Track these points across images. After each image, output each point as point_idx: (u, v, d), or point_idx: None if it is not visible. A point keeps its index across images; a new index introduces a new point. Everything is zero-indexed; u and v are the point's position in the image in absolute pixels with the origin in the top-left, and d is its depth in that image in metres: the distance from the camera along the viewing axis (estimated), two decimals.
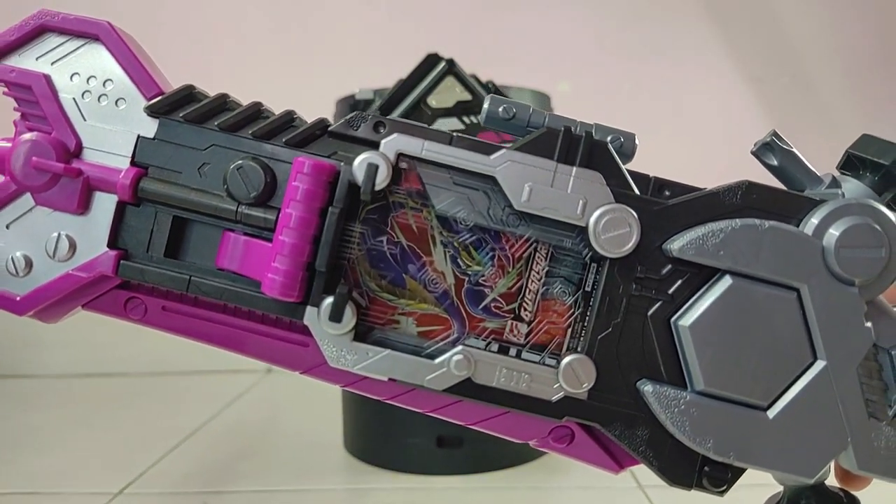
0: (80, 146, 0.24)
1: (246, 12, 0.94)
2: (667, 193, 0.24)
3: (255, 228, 0.24)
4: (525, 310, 0.24)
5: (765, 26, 0.97)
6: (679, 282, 0.24)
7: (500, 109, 0.24)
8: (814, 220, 0.24)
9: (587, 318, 0.24)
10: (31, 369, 0.89)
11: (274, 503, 0.51)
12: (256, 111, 0.24)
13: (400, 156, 0.23)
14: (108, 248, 0.24)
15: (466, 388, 0.24)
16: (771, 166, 0.25)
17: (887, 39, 0.98)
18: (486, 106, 0.24)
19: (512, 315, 0.24)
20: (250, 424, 0.69)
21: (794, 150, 0.25)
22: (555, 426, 0.25)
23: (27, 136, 0.24)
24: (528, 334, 0.24)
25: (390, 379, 0.24)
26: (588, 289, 0.24)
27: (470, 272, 0.24)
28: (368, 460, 0.57)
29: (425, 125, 0.24)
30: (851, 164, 0.25)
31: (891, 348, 0.24)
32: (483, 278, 0.24)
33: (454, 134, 0.24)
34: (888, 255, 0.23)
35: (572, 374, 0.23)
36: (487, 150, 0.23)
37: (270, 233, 0.23)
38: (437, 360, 0.24)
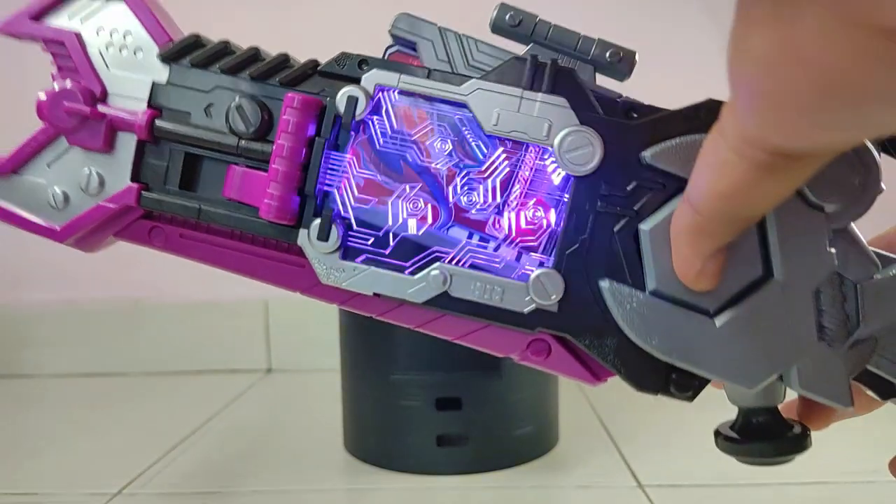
0: (105, 93, 0.27)
1: (245, 11, 0.95)
2: (634, 115, 0.25)
3: (255, 161, 0.27)
4: (508, 207, 0.26)
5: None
6: (644, 198, 0.25)
7: (507, 16, 0.25)
8: None
9: (556, 234, 0.25)
10: (31, 369, 0.89)
11: (274, 503, 0.51)
12: (255, 54, 0.27)
13: (378, 87, 0.25)
14: (130, 182, 0.27)
15: (444, 301, 0.26)
16: None
17: None
18: (494, 13, 0.25)
19: (495, 210, 0.26)
20: (250, 424, 0.68)
21: None
22: (532, 339, 0.26)
23: (59, 84, 0.27)
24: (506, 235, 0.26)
25: (375, 294, 0.26)
26: (556, 209, 0.25)
27: (462, 165, 0.26)
28: (368, 460, 0.57)
29: (406, 64, 0.26)
30: None
31: (857, 281, 0.24)
32: (474, 173, 0.26)
33: (431, 68, 0.26)
34: (861, 184, 0.23)
35: (541, 287, 0.25)
36: (459, 81, 0.25)
37: (268, 164, 0.26)
38: (417, 276, 0.26)
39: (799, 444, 0.26)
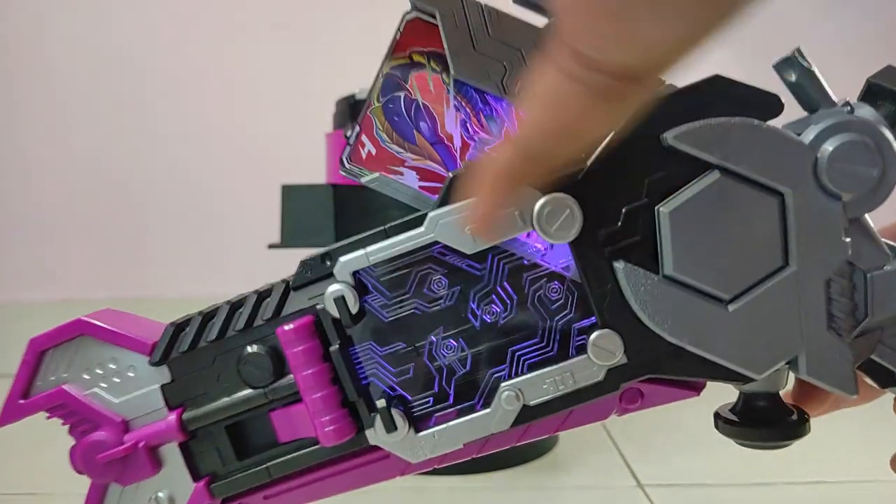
0: (125, 422, 0.27)
1: (245, 12, 0.96)
2: (583, 156, 0.25)
3: (288, 397, 0.26)
4: (526, 299, 0.26)
5: (766, 26, 0.95)
6: (640, 219, 0.25)
7: None
8: (812, 131, 0.24)
9: (586, 296, 0.25)
10: None
11: None
12: (232, 306, 0.27)
13: (354, 273, 0.25)
14: (195, 483, 0.27)
15: (527, 413, 0.26)
16: (789, 83, 0.25)
17: (889, 39, 0.94)
18: None
19: (517, 309, 0.26)
20: None
21: (815, 69, 0.25)
22: (621, 394, 0.26)
23: (83, 441, 0.27)
24: None
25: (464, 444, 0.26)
26: (570, 275, 0.25)
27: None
28: None
29: (360, 235, 0.26)
30: (870, 93, 0.25)
31: (868, 270, 0.24)
32: (480, 290, 0.26)
33: (385, 227, 0.26)
34: (880, 175, 0.24)
35: (602, 351, 0.25)
36: (416, 223, 0.25)
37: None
38: (492, 406, 0.26)
39: (798, 429, 0.26)
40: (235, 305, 0.27)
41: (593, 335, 0.25)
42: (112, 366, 0.27)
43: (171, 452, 0.27)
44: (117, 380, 0.27)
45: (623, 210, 0.25)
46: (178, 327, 0.27)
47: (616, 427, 0.64)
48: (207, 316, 0.27)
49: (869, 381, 0.27)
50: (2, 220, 0.97)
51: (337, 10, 0.96)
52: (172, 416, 0.27)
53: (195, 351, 0.27)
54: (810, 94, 0.25)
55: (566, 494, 0.52)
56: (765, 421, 0.27)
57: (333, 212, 0.61)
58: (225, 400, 0.27)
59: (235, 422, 0.27)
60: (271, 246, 0.64)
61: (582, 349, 0.25)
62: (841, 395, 0.24)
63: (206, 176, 0.97)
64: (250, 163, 0.96)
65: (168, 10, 0.96)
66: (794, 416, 0.27)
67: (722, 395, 0.28)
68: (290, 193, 0.62)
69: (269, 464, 0.27)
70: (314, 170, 0.71)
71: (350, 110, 0.62)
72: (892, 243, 0.25)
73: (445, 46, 0.26)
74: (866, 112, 0.25)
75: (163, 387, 0.27)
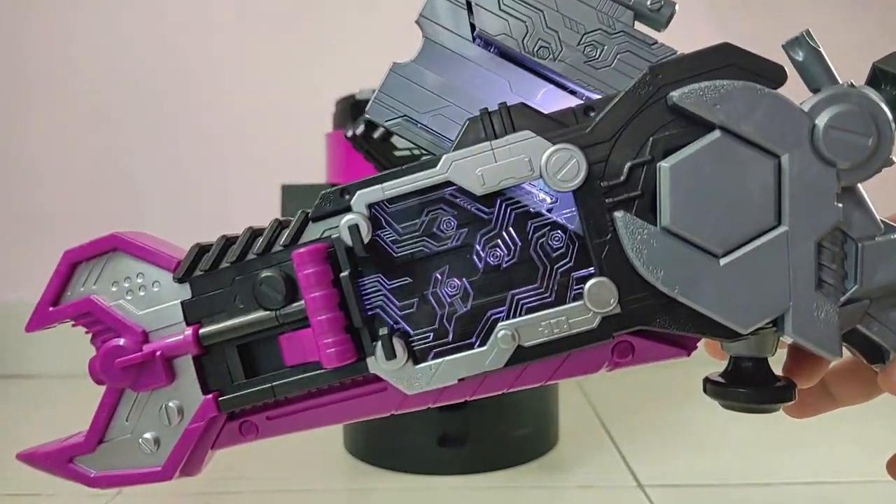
0: (145, 333, 0.29)
1: (245, 12, 0.97)
2: (591, 113, 0.27)
3: (298, 322, 0.28)
4: (530, 245, 0.27)
5: (766, 27, 0.96)
6: (643, 175, 0.26)
7: None
8: (812, 100, 0.25)
9: (586, 247, 0.26)
10: (31, 369, 0.88)
11: (274, 503, 0.51)
12: (251, 235, 0.29)
13: (370, 206, 0.27)
14: (204, 396, 0.29)
15: (521, 354, 0.27)
16: (796, 61, 0.26)
17: (889, 38, 0.96)
18: None
19: (521, 254, 0.27)
20: None
21: (822, 50, 0.26)
22: (612, 346, 0.27)
23: (104, 347, 0.29)
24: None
25: (460, 379, 0.27)
26: (572, 226, 0.27)
27: (474, 231, 0.27)
28: (368, 460, 0.58)
29: (382, 173, 0.27)
30: (875, 78, 0.26)
31: (859, 239, 0.26)
32: (487, 233, 0.27)
33: (403, 167, 0.27)
34: (874, 145, 0.25)
35: (598, 297, 0.26)
36: (432, 163, 0.27)
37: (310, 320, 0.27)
38: (488, 344, 0.27)
39: (783, 393, 0.27)
40: (256, 232, 0.29)
41: (590, 282, 0.26)
42: (139, 280, 0.29)
43: (185, 365, 0.29)
44: (142, 293, 0.29)
45: (627, 165, 0.26)
46: (202, 248, 0.29)
47: (616, 427, 0.64)
48: (230, 240, 0.29)
49: (857, 355, 0.28)
50: (4, 220, 0.98)
51: (337, 10, 0.96)
52: (189, 331, 0.28)
53: (216, 271, 0.29)
54: (815, 74, 0.26)
55: (566, 494, 0.52)
56: (751, 383, 0.27)
57: None
58: (240, 319, 0.28)
59: (247, 342, 0.29)
60: None
61: (578, 297, 0.27)
62: (825, 357, 0.25)
63: (207, 176, 0.98)
64: (250, 163, 0.96)
65: (169, 10, 0.97)
66: (781, 382, 0.27)
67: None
68: (290, 193, 0.63)
69: (274, 383, 0.28)
70: (314, 170, 0.72)
71: (350, 110, 0.62)
72: (889, 222, 0.26)
73: (474, 2, 0.27)
74: (869, 92, 0.26)
75: (183, 303, 0.29)
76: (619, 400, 0.70)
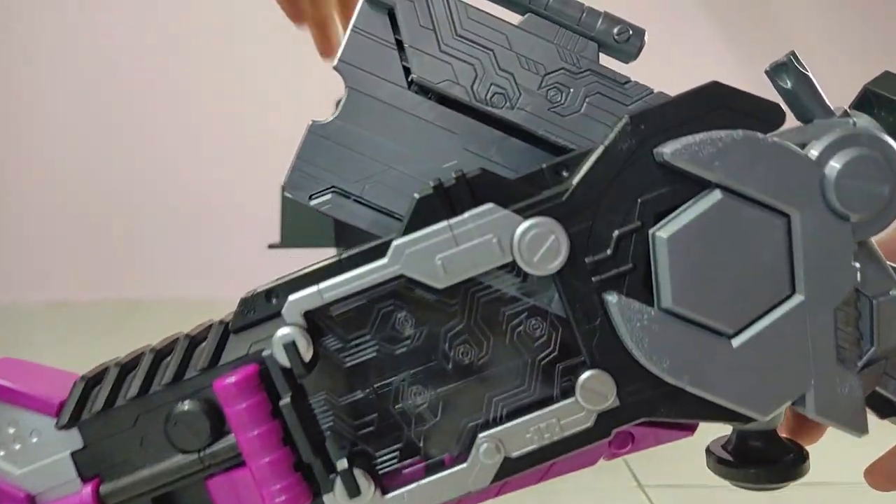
0: (30, 498, 0.23)
1: (245, 12, 0.95)
2: (564, 174, 0.22)
3: (230, 461, 0.22)
4: (504, 338, 0.23)
5: (766, 27, 0.96)
6: (633, 245, 0.22)
7: None
8: (818, 145, 0.21)
9: (573, 333, 0.22)
10: None
11: None
12: (155, 360, 0.23)
13: (306, 314, 0.22)
14: None
15: (509, 467, 0.22)
16: (783, 90, 0.23)
17: (889, 39, 0.96)
18: None
19: (495, 349, 0.23)
20: None
21: (810, 75, 0.23)
22: (611, 439, 0.24)
23: None
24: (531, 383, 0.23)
25: None
26: (552, 309, 0.22)
27: (437, 329, 0.22)
28: None
29: (310, 267, 0.22)
30: (867, 102, 0.23)
31: (874, 296, 0.22)
32: (452, 330, 0.22)
33: (342, 257, 0.22)
34: (891, 193, 0.21)
35: (592, 394, 0.22)
36: (379, 252, 0.22)
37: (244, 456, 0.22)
38: (469, 461, 0.22)
39: (796, 470, 0.25)
40: (161, 353, 0.23)
41: (582, 376, 0.22)
42: (11, 430, 0.23)
43: None
44: (18, 446, 0.23)
45: (614, 234, 0.22)
46: (90, 381, 0.23)
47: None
48: (126, 367, 0.23)
49: (869, 412, 0.25)
50: (4, 221, 0.99)
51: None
52: (87, 490, 0.22)
53: (112, 410, 0.22)
54: (805, 102, 0.23)
55: (566, 494, 0.51)
56: (761, 461, 0.25)
57: None
58: (151, 468, 0.22)
59: (165, 493, 0.23)
60: (271, 246, 0.64)
61: (568, 392, 0.22)
62: (853, 435, 0.22)
63: (207, 176, 0.99)
64: (250, 163, 0.96)
65: (167, 11, 0.97)
66: (793, 455, 0.25)
67: None
68: (291, 199, 0.61)
69: None
70: None
71: None
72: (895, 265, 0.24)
73: (406, 43, 0.22)
74: (866, 122, 0.23)
75: (73, 454, 0.23)
76: None
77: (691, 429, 0.24)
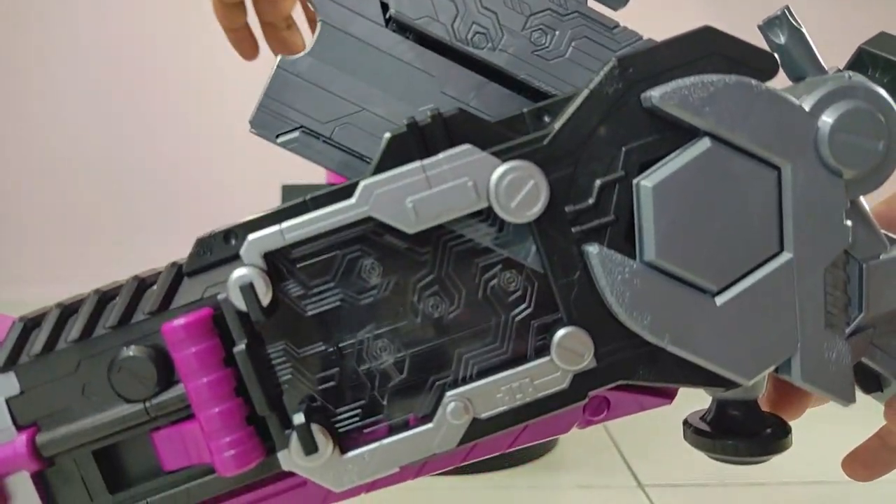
0: None
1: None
2: (546, 119, 0.21)
3: (178, 412, 0.21)
4: (478, 290, 0.21)
5: (764, 13, 0.97)
6: (616, 196, 0.21)
7: None
8: (812, 97, 0.21)
9: (549, 287, 0.21)
10: None
11: None
12: (99, 300, 0.21)
13: (266, 255, 0.20)
14: None
15: (478, 429, 0.21)
16: (776, 45, 0.22)
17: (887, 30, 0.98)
18: None
19: (468, 300, 0.21)
20: None
21: (804, 30, 0.22)
22: (586, 404, 0.22)
23: None
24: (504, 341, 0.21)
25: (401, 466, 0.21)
26: (529, 263, 0.21)
27: (405, 277, 0.21)
28: None
29: (274, 208, 0.20)
30: (862, 63, 0.22)
31: (863, 260, 0.21)
32: (423, 279, 0.21)
33: (307, 198, 0.20)
34: (885, 149, 0.21)
35: (568, 353, 0.21)
36: (347, 193, 0.20)
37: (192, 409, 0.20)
38: (435, 421, 0.21)
39: (777, 444, 0.23)
40: (108, 295, 0.21)
41: (558, 334, 0.21)
42: None
43: (22, 485, 0.21)
44: None
45: (596, 183, 0.21)
46: (30, 322, 0.21)
47: (616, 427, 0.63)
48: (69, 308, 0.21)
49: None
50: (8, 218, 0.99)
51: None
52: (22, 438, 0.21)
53: (52, 354, 0.21)
54: (798, 59, 0.22)
55: (566, 494, 0.51)
56: (740, 433, 0.23)
57: None
58: (92, 418, 0.21)
59: (107, 445, 0.21)
60: None
61: (543, 351, 0.21)
62: (839, 403, 0.21)
63: (207, 176, 0.99)
64: (250, 163, 0.95)
65: (168, 8, 0.97)
66: (773, 429, 0.24)
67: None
68: (290, 193, 0.62)
69: (149, 499, 0.21)
70: (314, 170, 0.68)
71: None
72: (890, 234, 0.23)
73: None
74: (861, 79, 0.22)
75: (8, 400, 0.21)
76: None
77: (670, 395, 0.23)
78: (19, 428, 0.21)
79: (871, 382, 0.24)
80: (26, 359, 0.21)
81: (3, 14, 0.99)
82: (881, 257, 0.22)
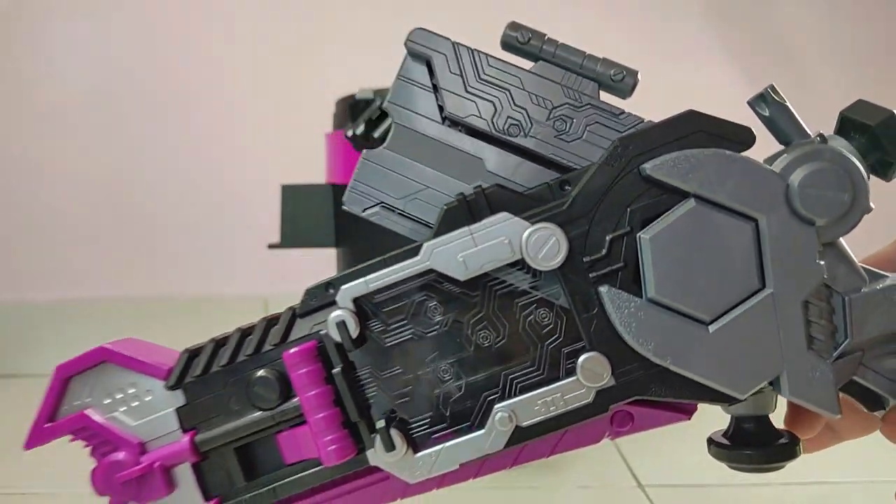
0: (142, 444, 0.29)
1: (245, 12, 0.96)
2: (567, 188, 0.27)
3: (295, 419, 0.28)
4: (517, 325, 0.27)
5: (766, 28, 0.97)
6: (624, 247, 0.26)
7: (517, 35, 0.27)
8: (784, 160, 0.25)
9: (574, 321, 0.26)
10: (31, 369, 0.83)
11: None
12: (241, 336, 0.29)
13: (355, 300, 0.27)
14: (206, 502, 0.28)
15: (519, 434, 0.27)
16: (763, 117, 0.27)
17: (888, 40, 0.97)
18: (504, 32, 0.27)
19: (509, 335, 0.27)
20: None
21: (788, 104, 0.26)
22: (611, 416, 0.27)
23: (102, 462, 0.29)
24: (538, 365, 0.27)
25: (461, 464, 0.27)
26: (559, 302, 0.27)
27: (460, 316, 0.27)
28: None
29: (361, 265, 0.27)
30: (845, 127, 0.27)
31: (845, 293, 0.26)
32: (473, 318, 0.27)
33: (385, 257, 0.27)
34: (850, 200, 0.25)
35: (590, 373, 0.26)
36: (412, 253, 0.27)
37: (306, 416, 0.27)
38: (486, 427, 0.27)
39: (787, 452, 0.27)
40: (245, 332, 0.29)
41: (581, 358, 0.26)
42: (131, 390, 0.29)
43: (185, 473, 0.29)
44: (136, 403, 0.29)
45: (607, 238, 0.26)
46: (192, 353, 0.29)
47: None
48: (220, 343, 0.29)
49: (859, 405, 0.28)
50: (11, 219, 0.97)
51: (337, 10, 0.96)
52: (186, 438, 0.28)
53: (208, 375, 0.28)
54: (784, 128, 0.26)
55: (566, 494, 0.52)
56: (754, 443, 0.27)
57: (333, 212, 0.61)
58: (235, 422, 0.28)
59: (245, 444, 0.29)
60: (271, 246, 0.63)
61: (571, 372, 0.26)
62: (825, 415, 0.25)
63: (208, 176, 0.97)
64: (250, 163, 0.96)
65: (169, 11, 0.97)
66: (785, 439, 0.27)
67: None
68: (290, 193, 0.62)
69: (275, 484, 0.28)
70: (314, 170, 0.70)
71: (350, 110, 0.62)
72: (871, 268, 0.26)
73: (439, 86, 0.28)
74: (839, 143, 0.26)
75: (178, 410, 0.29)
76: None
77: (688, 412, 0.28)
78: (184, 430, 0.29)
79: (873, 402, 0.27)
80: (190, 379, 0.29)
81: (4, 14, 0.97)
82: (862, 290, 0.26)
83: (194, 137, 0.97)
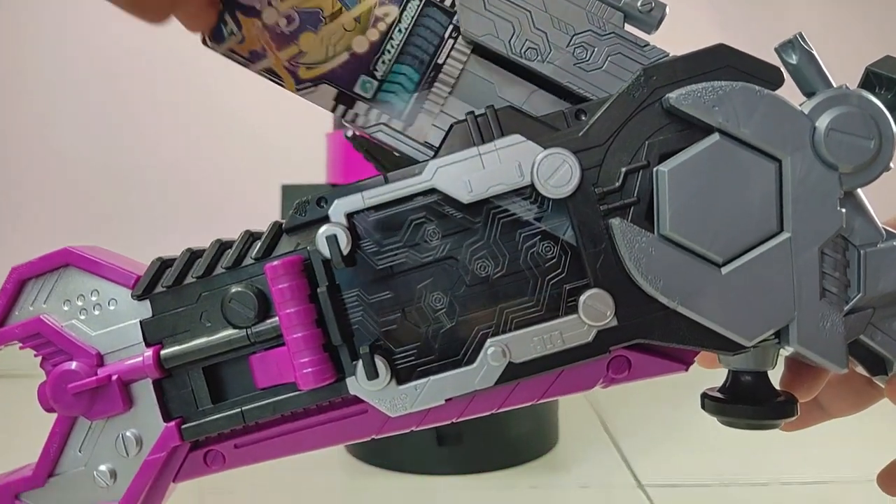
0: (100, 356, 0.26)
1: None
2: (583, 118, 0.25)
3: (271, 341, 0.26)
4: (519, 257, 0.25)
5: (766, 28, 0.99)
6: (638, 181, 0.25)
7: None
8: (812, 102, 0.24)
9: (579, 257, 0.25)
10: (31, 369, 0.89)
11: (274, 502, 0.51)
12: (219, 248, 0.27)
13: (349, 215, 0.25)
14: (165, 423, 0.26)
15: (512, 371, 0.25)
16: (789, 65, 0.26)
17: (888, 40, 0.98)
18: None
19: (510, 266, 0.25)
20: None
21: (815, 52, 0.25)
22: (608, 361, 0.26)
23: (54, 371, 0.26)
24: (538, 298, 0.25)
25: (447, 400, 0.25)
26: (564, 236, 0.25)
27: (459, 242, 0.25)
28: (368, 460, 0.57)
29: (362, 180, 0.26)
30: (870, 82, 0.26)
31: (861, 246, 0.25)
32: (474, 244, 0.25)
33: (385, 174, 0.25)
34: (876, 148, 0.24)
35: (593, 311, 0.25)
36: (416, 170, 0.25)
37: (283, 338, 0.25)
38: (477, 362, 0.25)
39: (785, 409, 0.26)
40: (225, 244, 0.27)
41: (585, 294, 0.25)
42: (93, 297, 0.27)
43: (144, 391, 0.26)
44: (97, 312, 0.27)
45: (622, 170, 0.25)
46: (165, 263, 0.27)
47: (616, 426, 0.64)
48: (196, 254, 0.27)
49: (860, 368, 0.27)
50: (10, 218, 0.97)
51: None
52: (150, 352, 0.26)
53: (180, 287, 0.26)
54: (810, 77, 0.25)
55: (566, 493, 0.52)
56: (751, 399, 0.26)
57: None
58: (206, 339, 0.26)
59: (214, 364, 0.26)
60: None
61: (572, 310, 0.25)
62: (832, 369, 0.24)
63: (207, 176, 0.98)
64: (250, 162, 0.97)
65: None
66: (782, 398, 0.26)
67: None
68: (291, 193, 0.63)
69: (244, 408, 0.26)
70: (314, 170, 0.72)
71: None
72: (889, 228, 0.25)
73: (456, 2, 0.26)
74: (867, 94, 0.25)
75: (142, 322, 0.26)
76: (620, 399, 0.69)
77: (686, 362, 0.26)
78: (148, 344, 0.26)
79: (876, 366, 0.26)
80: (159, 290, 0.26)
81: (4, 14, 0.97)
82: (878, 245, 0.25)
83: (193, 137, 0.98)
